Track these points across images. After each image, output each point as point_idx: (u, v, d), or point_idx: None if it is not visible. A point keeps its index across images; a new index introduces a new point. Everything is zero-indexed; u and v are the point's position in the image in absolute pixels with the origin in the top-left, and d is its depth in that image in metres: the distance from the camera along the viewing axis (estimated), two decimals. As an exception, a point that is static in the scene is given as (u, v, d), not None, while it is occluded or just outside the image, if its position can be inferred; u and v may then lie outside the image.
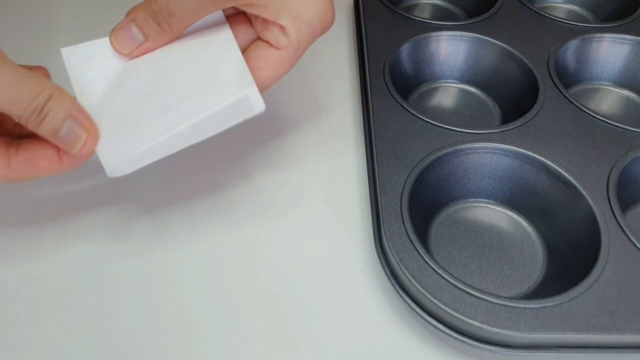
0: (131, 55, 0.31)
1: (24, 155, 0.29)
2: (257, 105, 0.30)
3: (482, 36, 0.47)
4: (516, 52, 0.46)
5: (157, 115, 0.29)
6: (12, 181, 0.29)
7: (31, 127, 0.27)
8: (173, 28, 0.31)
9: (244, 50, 0.33)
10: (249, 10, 0.31)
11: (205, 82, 0.30)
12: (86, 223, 0.36)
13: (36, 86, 0.27)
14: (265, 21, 0.32)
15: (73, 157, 0.29)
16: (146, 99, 0.30)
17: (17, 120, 0.27)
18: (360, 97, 0.45)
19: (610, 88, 0.49)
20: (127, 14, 0.31)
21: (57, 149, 0.29)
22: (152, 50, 0.31)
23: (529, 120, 0.40)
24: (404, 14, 0.49)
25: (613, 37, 0.48)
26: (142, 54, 0.31)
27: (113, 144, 0.29)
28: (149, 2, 0.30)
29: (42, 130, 0.28)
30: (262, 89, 0.32)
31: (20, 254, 0.34)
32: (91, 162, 0.30)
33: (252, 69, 0.32)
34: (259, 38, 0.33)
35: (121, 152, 0.29)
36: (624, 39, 0.48)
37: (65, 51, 0.31)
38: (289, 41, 0.32)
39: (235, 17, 0.34)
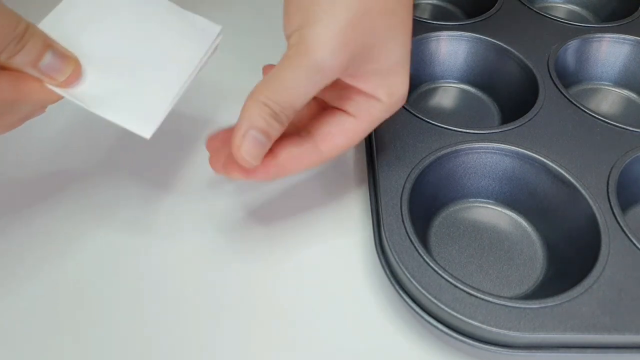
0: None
1: (9, 76, 0.27)
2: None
3: (482, 36, 0.47)
4: (516, 52, 0.46)
5: (156, 74, 0.31)
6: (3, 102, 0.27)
7: (7, 56, 0.26)
8: (290, 120, 0.29)
9: (311, 118, 0.33)
10: (350, 82, 0.31)
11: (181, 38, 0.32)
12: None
13: (15, 16, 0.27)
14: (348, 91, 0.31)
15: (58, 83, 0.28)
16: (132, 60, 0.31)
17: None
18: (360, 97, 0.45)
19: (610, 88, 0.49)
20: (241, 117, 0.29)
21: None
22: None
23: (529, 120, 0.40)
24: (404, 14, 0.49)
25: (613, 37, 0.48)
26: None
27: (135, 109, 0.30)
28: (264, 101, 0.28)
29: (20, 59, 0.27)
30: (330, 157, 0.32)
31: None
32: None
33: (325, 134, 0.31)
34: (334, 107, 0.32)
35: (151, 114, 0.30)
36: (624, 39, 0.48)
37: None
38: (372, 113, 0.31)
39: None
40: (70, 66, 0.29)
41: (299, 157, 0.31)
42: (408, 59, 0.31)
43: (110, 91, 0.30)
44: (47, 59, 0.28)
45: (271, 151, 0.31)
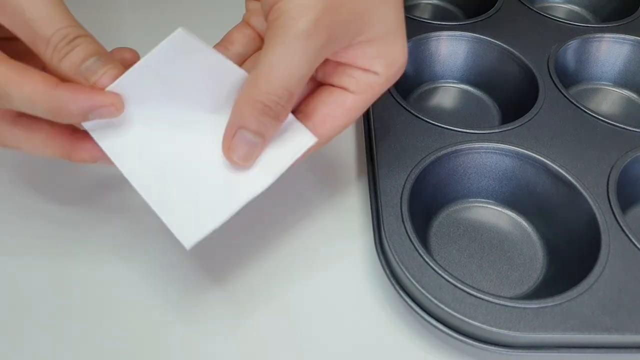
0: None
1: (15, 63, 0.25)
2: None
3: (482, 36, 0.47)
4: (516, 52, 0.46)
5: (222, 182, 0.28)
6: None
7: (56, 56, 0.25)
8: (288, 112, 0.27)
9: (306, 97, 0.30)
10: (344, 59, 0.28)
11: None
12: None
13: (72, 18, 0.26)
14: (345, 67, 0.29)
15: (73, 85, 0.25)
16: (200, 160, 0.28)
17: (40, 49, 0.25)
18: (360, 97, 0.45)
19: (610, 88, 0.49)
20: (231, 115, 0.27)
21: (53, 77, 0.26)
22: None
23: (529, 120, 0.40)
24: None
25: (613, 37, 0.48)
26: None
27: (185, 219, 0.27)
28: (255, 98, 0.26)
29: (66, 62, 0.25)
30: (330, 139, 0.29)
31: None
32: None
33: (325, 117, 0.29)
34: (329, 84, 0.30)
35: (199, 228, 0.27)
36: (624, 39, 0.48)
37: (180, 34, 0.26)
38: (372, 87, 0.29)
39: None
40: (106, 67, 0.26)
41: None
42: (403, 24, 0.29)
43: (169, 179, 0.27)
44: (90, 62, 0.26)
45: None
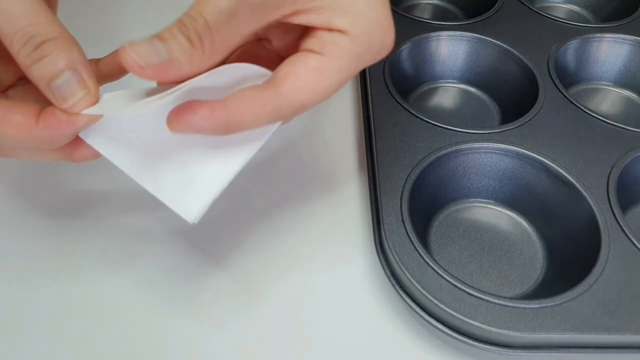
0: (146, 74, 0.23)
1: None
2: None
3: (482, 36, 0.47)
4: (516, 52, 0.46)
5: (214, 153, 0.27)
6: None
7: (23, 62, 0.24)
8: (205, 47, 0.24)
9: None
10: (296, 20, 0.26)
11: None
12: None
13: (45, 16, 0.24)
14: (308, 31, 0.27)
15: (51, 120, 0.24)
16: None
17: (9, 49, 0.24)
18: (360, 97, 0.45)
19: (610, 88, 0.49)
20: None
21: (38, 111, 0.25)
22: (172, 78, 0.24)
23: (529, 120, 0.40)
24: (404, 14, 0.49)
25: (613, 37, 0.48)
26: (159, 78, 0.24)
27: (184, 195, 0.27)
28: (181, 17, 0.24)
29: (35, 72, 0.24)
30: (294, 101, 0.26)
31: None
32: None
33: (285, 74, 0.25)
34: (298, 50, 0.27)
35: (199, 201, 0.27)
36: (624, 39, 0.48)
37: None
38: (340, 47, 0.26)
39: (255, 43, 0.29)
40: (83, 91, 0.25)
41: (252, 100, 0.25)
42: None
43: (159, 161, 0.27)
44: (63, 79, 0.24)
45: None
